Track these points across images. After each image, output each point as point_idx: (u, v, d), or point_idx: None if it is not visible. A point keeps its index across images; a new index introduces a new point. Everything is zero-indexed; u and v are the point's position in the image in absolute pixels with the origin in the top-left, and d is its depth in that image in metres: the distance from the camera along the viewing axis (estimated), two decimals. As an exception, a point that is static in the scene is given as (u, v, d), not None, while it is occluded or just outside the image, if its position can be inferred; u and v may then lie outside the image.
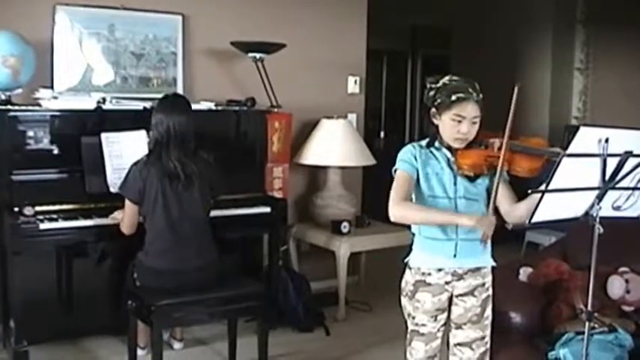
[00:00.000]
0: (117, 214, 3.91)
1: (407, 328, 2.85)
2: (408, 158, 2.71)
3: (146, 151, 4.06)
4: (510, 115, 2.53)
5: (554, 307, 3.44)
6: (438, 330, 2.79)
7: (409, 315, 2.82)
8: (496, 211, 2.72)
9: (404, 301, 2.84)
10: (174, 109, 3.76)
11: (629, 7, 6.92)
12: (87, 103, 4.22)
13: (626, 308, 3.43)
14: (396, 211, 2.65)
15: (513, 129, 2.57)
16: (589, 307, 2.55)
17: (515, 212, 2.65)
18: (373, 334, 4.70)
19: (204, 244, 3.79)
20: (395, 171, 2.72)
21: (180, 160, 3.69)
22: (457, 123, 2.63)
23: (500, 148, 2.58)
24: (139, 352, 4.01)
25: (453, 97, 2.62)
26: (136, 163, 3.74)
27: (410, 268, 2.81)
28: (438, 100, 2.66)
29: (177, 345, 4.35)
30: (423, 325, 2.78)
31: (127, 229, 3.80)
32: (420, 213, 2.69)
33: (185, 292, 3.61)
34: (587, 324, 2.54)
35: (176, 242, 3.69)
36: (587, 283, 2.54)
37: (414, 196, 2.75)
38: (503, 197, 2.67)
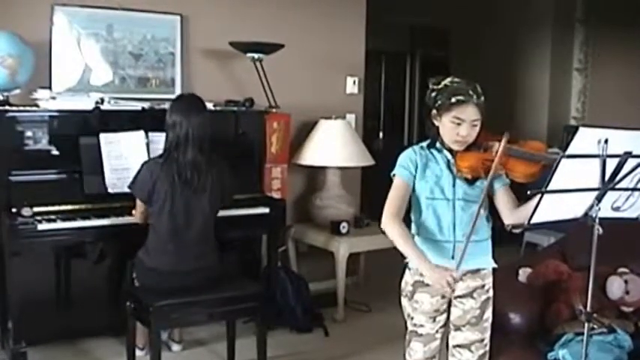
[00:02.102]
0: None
1: (407, 328, 2.85)
2: (406, 164, 2.71)
3: (145, 151, 4.07)
4: (496, 159, 2.54)
5: (553, 307, 3.44)
6: (437, 331, 2.79)
7: (408, 315, 2.82)
8: (496, 212, 2.72)
9: (404, 301, 2.84)
10: (192, 111, 3.71)
11: (628, 8, 6.93)
12: (85, 103, 4.20)
13: (625, 309, 3.43)
14: (385, 225, 2.69)
15: (512, 132, 2.57)
16: (588, 308, 2.54)
17: (514, 216, 2.65)
18: (372, 335, 4.69)
19: (206, 248, 3.77)
20: (393, 176, 2.72)
21: (195, 164, 3.65)
22: (456, 125, 2.62)
23: (498, 152, 2.57)
24: (138, 352, 4.00)
25: (453, 100, 2.61)
26: (147, 162, 3.71)
27: (409, 269, 2.81)
28: (439, 102, 2.66)
29: (175, 346, 4.34)
30: (422, 325, 2.78)
31: (139, 220, 3.82)
32: (399, 240, 2.67)
33: (183, 293, 3.60)
34: (586, 325, 2.54)
35: (179, 245, 3.67)
36: (587, 283, 2.54)
37: (413, 198, 2.75)
38: (505, 202, 2.68)
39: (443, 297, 2.76)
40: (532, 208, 2.41)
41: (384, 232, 2.72)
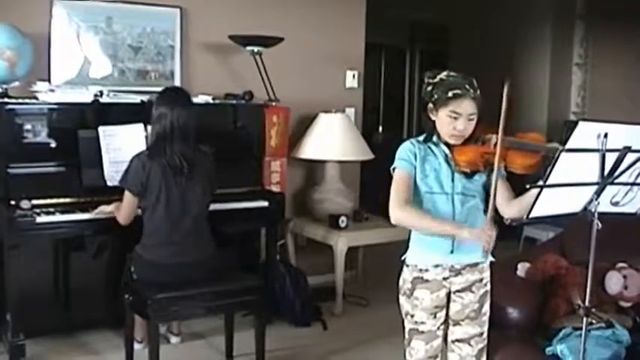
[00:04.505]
0: (103, 208, 3.91)
1: (404, 328, 2.83)
2: (407, 156, 2.69)
3: (144, 144, 4.06)
4: (503, 112, 2.51)
5: (551, 302, 3.44)
6: (438, 328, 2.77)
7: (407, 314, 2.80)
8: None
9: (402, 299, 2.81)
10: (177, 103, 3.72)
11: (629, 2, 6.91)
12: (84, 96, 4.20)
13: (624, 304, 3.43)
14: (398, 215, 2.63)
15: (510, 125, 2.56)
16: (587, 303, 2.54)
17: (511, 208, 2.63)
18: (370, 329, 4.69)
19: (202, 238, 3.78)
20: (394, 169, 2.70)
21: (183, 153, 3.67)
22: (453, 120, 2.62)
23: (496, 145, 2.56)
24: (136, 345, 4.01)
25: (450, 94, 2.60)
26: (138, 156, 3.70)
27: (407, 266, 2.79)
28: (435, 96, 2.65)
29: (174, 339, 4.35)
30: (423, 322, 2.76)
31: (124, 220, 3.78)
32: (422, 221, 2.64)
33: (182, 286, 3.60)
34: (584, 320, 2.54)
35: (175, 236, 3.67)
36: (585, 278, 2.54)
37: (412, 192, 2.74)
38: (502, 194, 2.66)
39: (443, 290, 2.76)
40: (528, 201, 2.41)
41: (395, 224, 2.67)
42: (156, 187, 3.63)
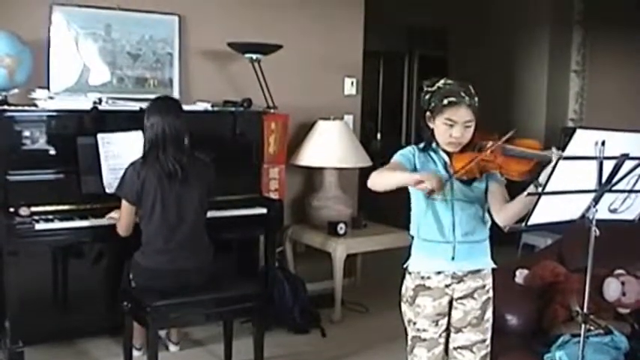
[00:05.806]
0: (114, 214, 3.91)
1: (407, 336, 2.82)
2: (407, 154, 2.73)
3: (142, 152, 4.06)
4: (479, 157, 2.56)
5: (550, 309, 3.44)
6: (440, 336, 2.77)
7: (409, 321, 2.80)
8: (489, 212, 2.72)
9: (404, 307, 2.82)
10: (168, 111, 3.76)
11: (627, 9, 6.93)
12: (83, 103, 4.20)
13: (622, 310, 3.44)
14: (372, 176, 2.65)
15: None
16: (585, 310, 2.54)
17: (504, 213, 2.63)
18: (369, 336, 4.69)
19: (200, 244, 3.79)
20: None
21: (177, 159, 3.69)
22: (449, 127, 2.63)
23: (492, 152, 2.58)
24: (135, 352, 4.01)
25: (445, 101, 2.62)
26: (132, 164, 3.72)
27: (409, 273, 2.80)
28: (432, 104, 2.67)
29: (173, 346, 4.35)
30: (425, 330, 2.76)
31: (123, 231, 3.79)
32: (386, 174, 2.64)
33: (181, 293, 3.61)
34: (583, 326, 2.54)
35: (173, 243, 3.68)
36: (583, 285, 2.54)
37: (412, 199, 2.76)
38: (496, 199, 2.67)
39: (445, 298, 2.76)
40: (519, 208, 2.46)
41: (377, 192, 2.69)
42: (151, 194, 3.65)
